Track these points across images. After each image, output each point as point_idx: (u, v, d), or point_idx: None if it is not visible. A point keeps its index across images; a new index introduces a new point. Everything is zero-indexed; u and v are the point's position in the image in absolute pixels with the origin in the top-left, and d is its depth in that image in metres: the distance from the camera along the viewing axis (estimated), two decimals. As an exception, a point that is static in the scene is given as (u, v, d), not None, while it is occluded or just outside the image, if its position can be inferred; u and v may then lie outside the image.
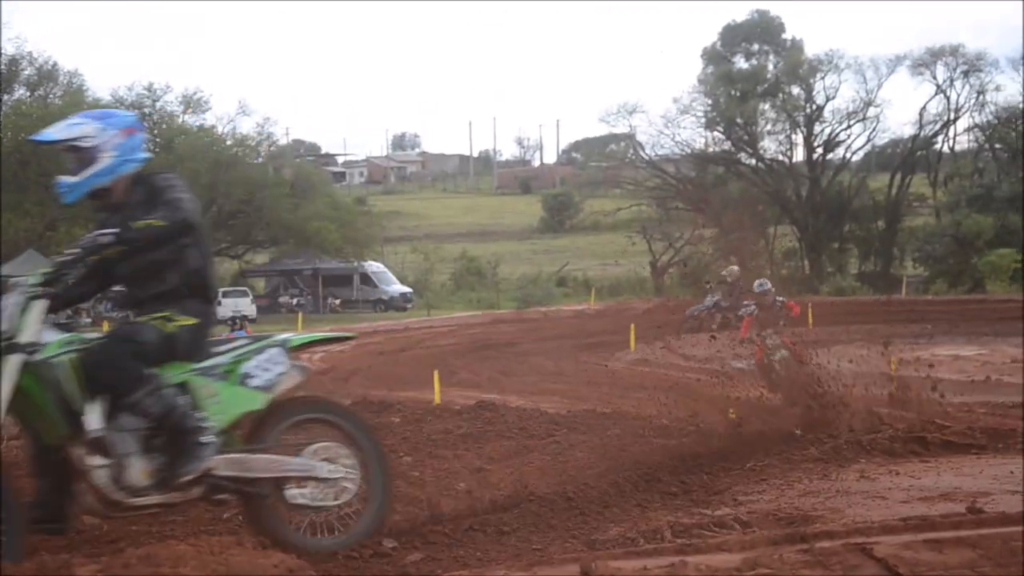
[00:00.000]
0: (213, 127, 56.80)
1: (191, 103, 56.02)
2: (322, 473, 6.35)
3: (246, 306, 49.79)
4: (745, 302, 25.44)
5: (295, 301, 57.22)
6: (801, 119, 64.80)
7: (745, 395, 20.88)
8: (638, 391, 22.87)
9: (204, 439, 5.94)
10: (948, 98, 62.45)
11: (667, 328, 37.10)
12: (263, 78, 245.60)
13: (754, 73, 65.43)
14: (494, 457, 8.60)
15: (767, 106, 65.70)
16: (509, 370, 27.86)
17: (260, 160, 57.72)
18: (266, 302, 57.73)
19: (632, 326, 33.14)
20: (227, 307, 48.93)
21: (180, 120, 55.59)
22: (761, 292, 23.10)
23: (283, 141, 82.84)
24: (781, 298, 23.63)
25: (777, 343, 12.62)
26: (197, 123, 56.49)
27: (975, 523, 6.02)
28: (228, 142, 56.01)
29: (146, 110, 54.32)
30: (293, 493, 6.30)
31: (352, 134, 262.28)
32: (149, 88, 54.69)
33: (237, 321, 22.72)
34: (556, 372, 27.26)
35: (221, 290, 53.68)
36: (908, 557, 5.29)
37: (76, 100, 52.12)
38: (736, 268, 29.35)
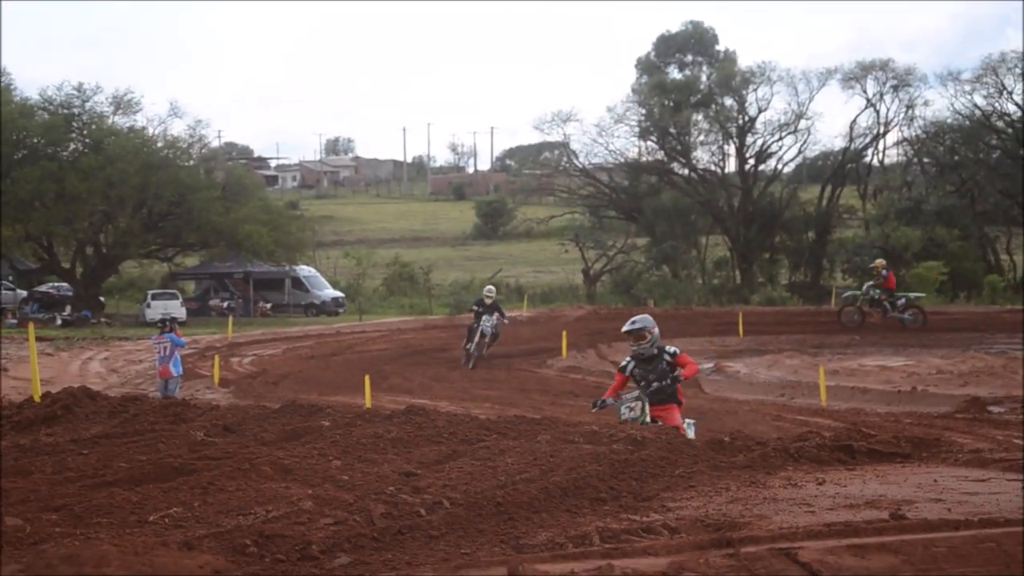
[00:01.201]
0: (144, 129, 56.30)
1: (121, 104, 55.41)
2: None
3: (175, 309, 49.32)
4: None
5: (225, 304, 56.74)
6: (733, 130, 65.37)
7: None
8: (568, 398, 23.03)
9: None
10: (878, 112, 63.37)
11: (599, 335, 37.37)
12: (195, 80, 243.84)
13: (687, 84, 65.94)
14: (424, 462, 8.59)
15: (700, 117, 66.21)
16: (440, 376, 27.87)
17: (191, 163, 57.20)
18: (196, 305, 57.17)
19: (564, 333, 33.32)
20: (156, 309, 48.46)
21: (110, 121, 54.92)
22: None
23: (215, 144, 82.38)
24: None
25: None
26: (128, 124, 55.94)
27: (898, 529, 6.11)
28: (159, 144, 55.43)
29: (75, 110, 53.63)
30: None
31: (285, 138, 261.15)
32: (79, 88, 54.01)
33: (167, 323, 22.43)
34: (487, 378, 27.31)
35: (150, 292, 53.18)
36: (832, 562, 5.36)
37: (5, 99, 51.37)
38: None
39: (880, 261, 37.93)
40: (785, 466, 8.81)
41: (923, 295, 41.32)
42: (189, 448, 9.40)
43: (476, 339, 29.21)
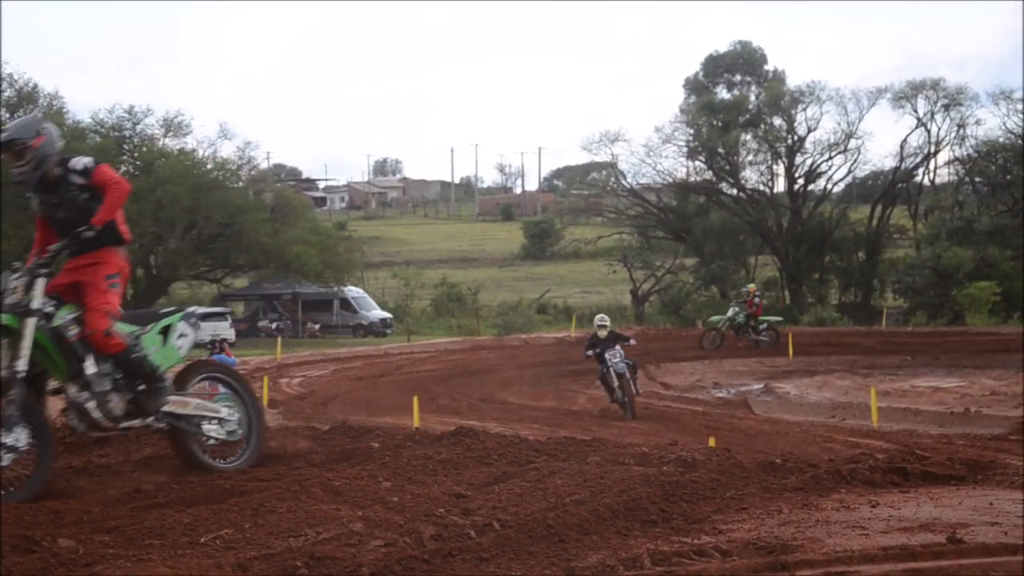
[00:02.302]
0: (194, 151, 56.82)
1: (172, 126, 56.03)
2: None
3: (225, 330, 49.61)
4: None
5: (274, 325, 57.13)
6: (782, 150, 65.10)
7: (726, 423, 20.89)
8: (618, 419, 22.95)
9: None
10: (928, 131, 62.86)
11: (648, 356, 37.26)
12: (245, 102, 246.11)
13: (736, 104, 65.77)
14: (474, 483, 8.58)
15: (749, 136, 66.01)
16: (489, 397, 27.85)
17: (241, 184, 57.66)
18: (245, 326, 57.57)
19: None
20: (206, 330, 48.63)
21: (160, 143, 55.52)
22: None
23: (264, 165, 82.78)
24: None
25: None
26: (177, 146, 56.48)
27: (955, 553, 6.04)
28: (209, 166, 55.96)
29: (127, 133, 54.26)
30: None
31: (333, 159, 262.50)
32: (130, 111, 54.64)
33: (216, 344, 22.59)
34: (536, 399, 27.27)
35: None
36: (888, 586, 5.29)
37: (56, 122, 52.01)
38: None
39: (752, 287, 39.56)
40: (838, 488, 8.73)
41: (781, 319, 43.02)
42: (239, 470, 9.44)
43: (616, 384, 23.00)
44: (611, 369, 22.94)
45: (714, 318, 40.46)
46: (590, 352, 23.82)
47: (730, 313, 38.55)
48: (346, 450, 10.39)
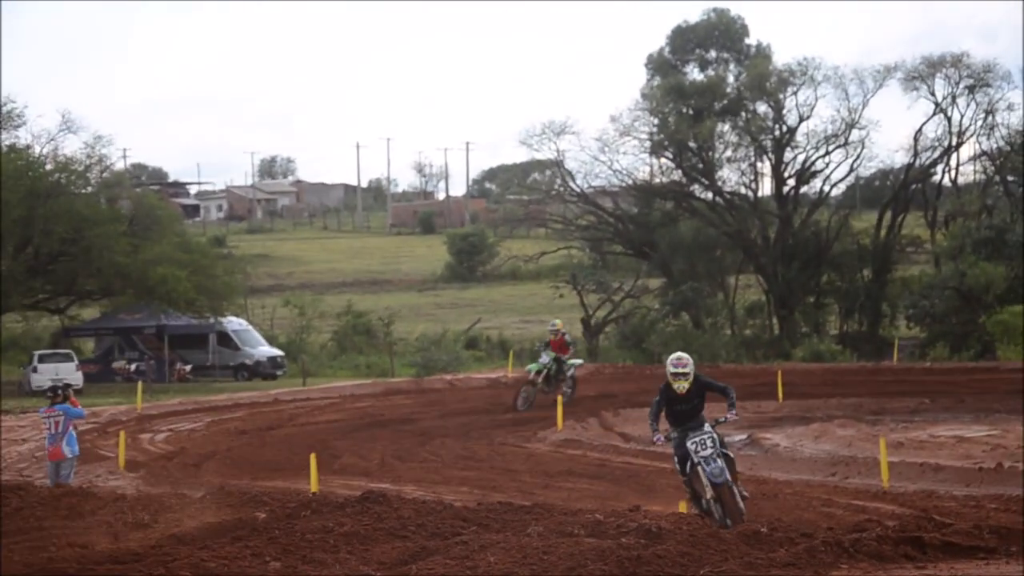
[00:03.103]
0: (28, 147, 56.21)
1: (0, 117, 55.41)
2: None
3: (70, 373, 49.05)
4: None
5: (133, 367, 56.55)
6: (768, 143, 65.60)
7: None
8: (566, 479, 22.98)
9: None
10: (949, 119, 63.60)
11: (604, 401, 37.34)
12: (95, 87, 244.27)
13: (710, 86, 66.22)
14: (385, 562, 8.57)
15: (726, 127, 66.48)
16: (405, 453, 27.80)
17: (90, 189, 57.13)
18: (96, 368, 56.93)
19: (559, 398, 33.27)
20: (45, 374, 48.24)
21: (-14, 138, 54.93)
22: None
23: (120, 166, 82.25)
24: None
25: None
26: (8, 142, 55.86)
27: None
28: (48, 166, 55.38)
29: (-59, 125, 53.67)
30: None
31: (208, 158, 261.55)
32: (-57, 97, 54.02)
33: (58, 392, 22.30)
34: (464, 456, 27.26)
35: (37, 353, 52.98)
36: None
37: None
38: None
39: (560, 323, 38.06)
40: (838, 563, 8.81)
41: (581, 361, 41.29)
42: (87, 551, 9.35)
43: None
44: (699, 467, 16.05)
45: (531, 366, 37.41)
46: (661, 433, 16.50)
47: (545, 359, 36.04)
48: (224, 523, 10.32)
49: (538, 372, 35.82)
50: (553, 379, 35.94)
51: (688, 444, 15.71)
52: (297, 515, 10.52)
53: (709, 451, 15.73)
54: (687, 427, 15.89)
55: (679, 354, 17.26)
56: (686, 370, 16.29)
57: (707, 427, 15.95)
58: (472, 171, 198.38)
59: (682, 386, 15.73)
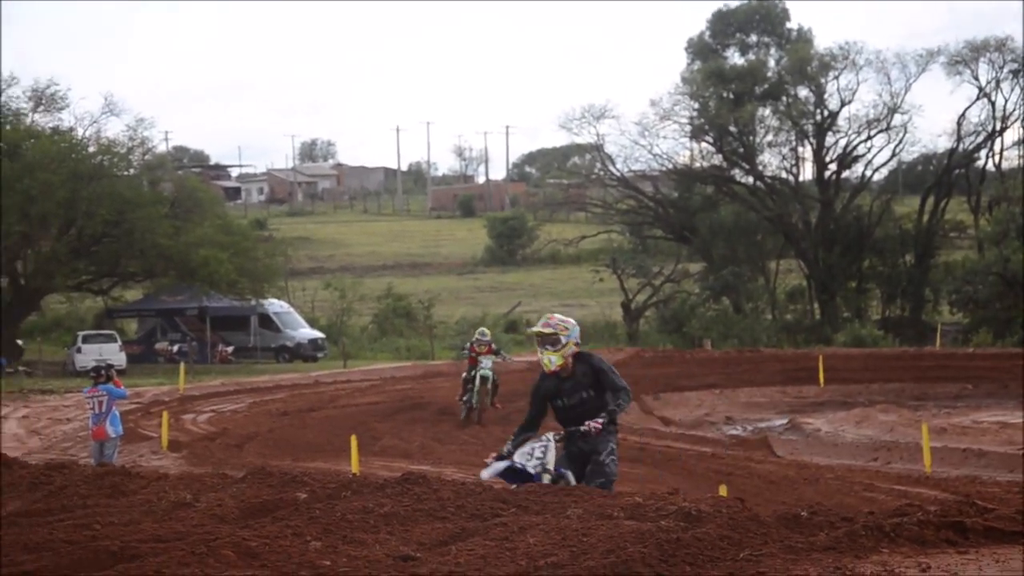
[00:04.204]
0: (72, 130, 56.52)
1: (43, 99, 55.72)
2: None
3: (113, 353, 49.34)
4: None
5: (176, 348, 56.89)
6: (809, 128, 65.41)
7: (741, 467, 20.98)
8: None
9: None
10: (993, 104, 63.34)
11: (644, 384, 37.29)
12: (137, 70, 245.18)
13: (751, 70, 66.07)
14: (424, 543, 8.58)
15: (767, 111, 66.34)
16: (445, 436, 27.84)
17: (132, 172, 57.40)
18: (139, 349, 57.31)
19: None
20: (88, 355, 48.51)
21: (29, 120, 55.24)
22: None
23: (162, 148, 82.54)
24: None
25: None
26: (51, 124, 56.18)
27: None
28: (91, 148, 55.69)
29: (-15, 107, 53.97)
30: None
31: (250, 141, 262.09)
32: (-11, 79, 54.35)
33: (102, 372, 22.40)
34: (504, 438, 27.21)
35: (81, 334, 53.29)
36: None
37: None
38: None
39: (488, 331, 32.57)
40: (879, 548, 8.76)
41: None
42: (130, 528, 9.40)
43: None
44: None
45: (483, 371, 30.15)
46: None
47: (487, 365, 29.69)
48: (265, 502, 10.35)
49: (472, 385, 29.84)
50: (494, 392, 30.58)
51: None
52: (338, 495, 10.53)
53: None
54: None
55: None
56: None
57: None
58: (512, 155, 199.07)
59: (550, 359, 11.90)
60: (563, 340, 11.77)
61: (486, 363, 29.35)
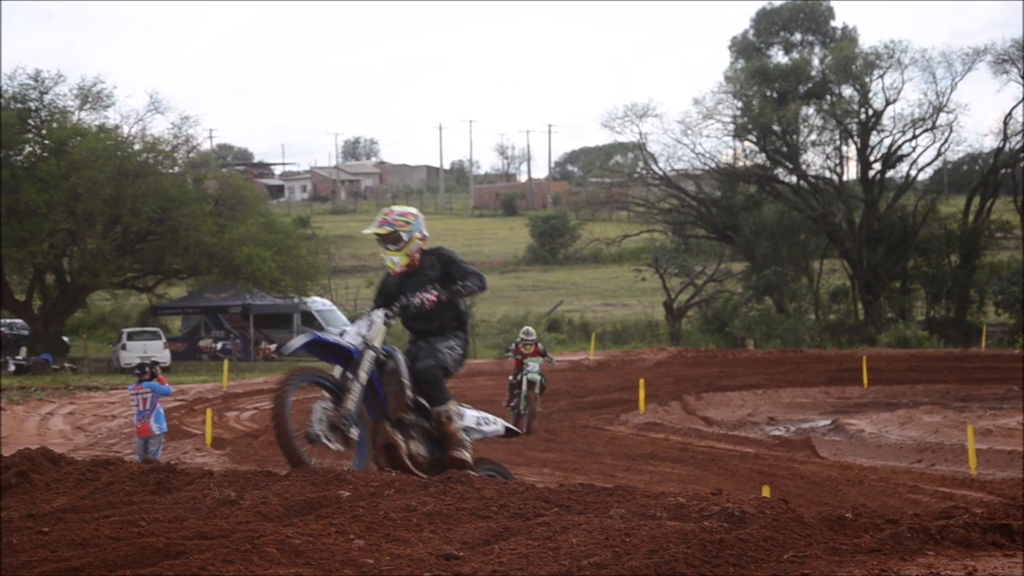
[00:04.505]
0: (117, 127, 56.93)
1: (89, 97, 56.07)
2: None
3: (157, 351, 49.69)
4: None
5: (219, 346, 57.15)
6: (854, 127, 65.18)
7: (784, 468, 20.93)
8: (648, 462, 22.97)
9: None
10: (1040, 102, 62.88)
11: (686, 384, 37.26)
12: (182, 68, 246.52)
13: (795, 69, 65.87)
14: (467, 541, 8.60)
15: (811, 110, 66.12)
16: (487, 435, 27.85)
17: (177, 169, 57.76)
18: (183, 346, 57.62)
19: (642, 382, 33.21)
20: (133, 351, 48.82)
21: (75, 118, 55.61)
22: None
23: (206, 146, 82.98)
24: None
25: None
26: (97, 122, 56.57)
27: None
28: (136, 146, 56.05)
29: (32, 104, 54.33)
30: None
31: (293, 139, 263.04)
32: (36, 77, 54.72)
33: (146, 369, 22.56)
34: (546, 438, 27.29)
35: (126, 331, 53.61)
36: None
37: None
38: None
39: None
40: (924, 550, 8.72)
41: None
42: (175, 525, 9.45)
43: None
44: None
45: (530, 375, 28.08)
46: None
47: (534, 369, 27.82)
48: (309, 500, 10.38)
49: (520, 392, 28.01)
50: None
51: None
52: (380, 494, 10.55)
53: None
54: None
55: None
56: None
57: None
58: (554, 153, 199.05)
59: (393, 260, 11.44)
60: (405, 237, 11.17)
61: (533, 366, 27.82)
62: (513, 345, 29.34)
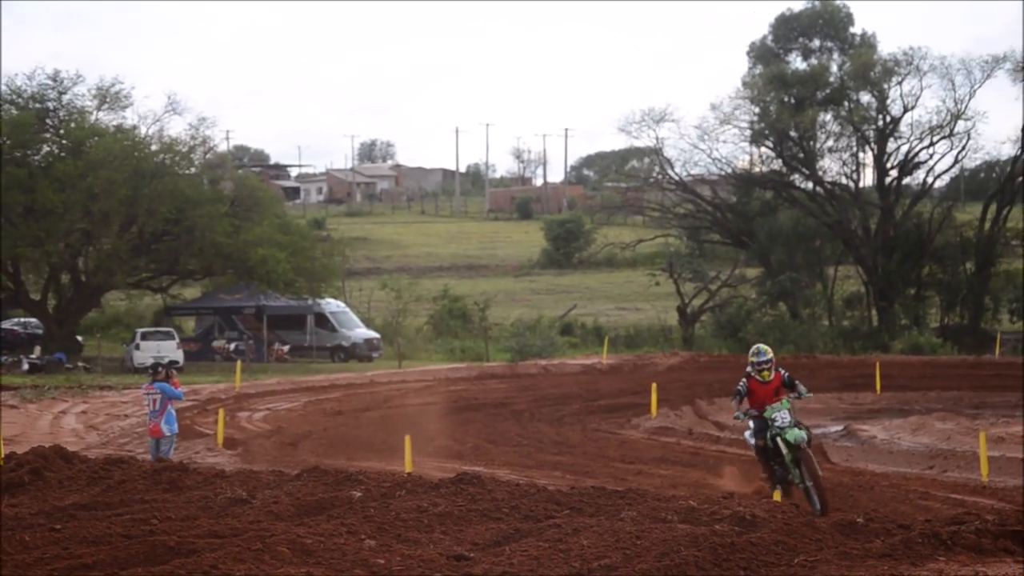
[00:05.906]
0: (134, 128, 56.93)
1: (107, 97, 56.10)
2: None
3: (171, 351, 49.75)
4: None
5: (232, 347, 57.15)
6: (871, 134, 65.02)
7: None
8: (659, 466, 22.96)
9: None
10: (1058, 111, 62.80)
11: (698, 389, 37.23)
12: (199, 69, 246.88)
13: (813, 75, 65.74)
14: (478, 543, 8.62)
15: (829, 116, 65.98)
16: (499, 437, 27.90)
17: (193, 170, 57.75)
18: (196, 347, 57.61)
19: (654, 386, 33.21)
20: (147, 351, 48.89)
21: (93, 118, 55.64)
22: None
23: (222, 148, 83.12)
24: None
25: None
26: (114, 122, 56.60)
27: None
28: (153, 147, 56.09)
29: (50, 104, 54.40)
30: None
31: (309, 141, 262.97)
32: (55, 77, 54.78)
33: (159, 370, 22.58)
34: (558, 441, 27.31)
35: (140, 331, 53.69)
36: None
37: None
38: None
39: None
40: (935, 556, 8.72)
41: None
42: (187, 523, 9.48)
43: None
44: (780, 425, 17.46)
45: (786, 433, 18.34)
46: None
47: (786, 420, 17.76)
48: (320, 500, 10.42)
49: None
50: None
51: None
52: (392, 495, 10.59)
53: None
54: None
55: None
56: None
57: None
58: (570, 158, 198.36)
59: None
60: None
61: (782, 415, 17.62)
62: (745, 379, 18.42)
